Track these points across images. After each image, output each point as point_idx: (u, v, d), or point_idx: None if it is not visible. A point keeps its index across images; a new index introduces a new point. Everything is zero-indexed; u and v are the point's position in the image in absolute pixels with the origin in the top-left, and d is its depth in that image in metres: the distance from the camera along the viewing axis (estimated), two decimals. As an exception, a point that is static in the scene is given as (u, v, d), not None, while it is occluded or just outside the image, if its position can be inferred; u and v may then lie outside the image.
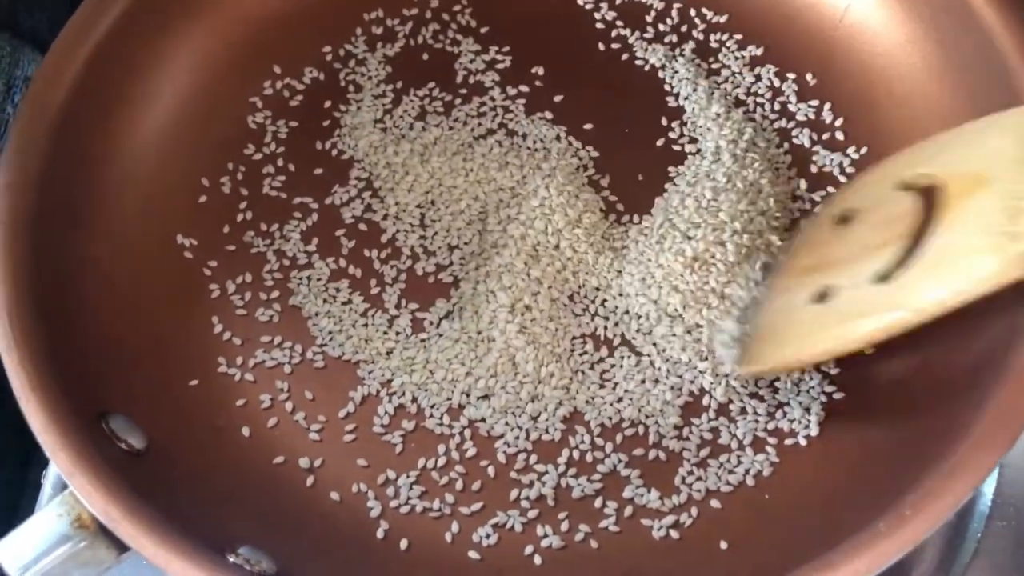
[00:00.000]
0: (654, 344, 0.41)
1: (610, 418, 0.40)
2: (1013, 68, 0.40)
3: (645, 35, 0.49)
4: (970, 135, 0.34)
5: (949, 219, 0.32)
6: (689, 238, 0.42)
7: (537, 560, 0.37)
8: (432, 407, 0.41)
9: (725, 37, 0.48)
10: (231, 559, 0.34)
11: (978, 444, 0.32)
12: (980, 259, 0.31)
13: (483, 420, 0.40)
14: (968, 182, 0.32)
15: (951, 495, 0.31)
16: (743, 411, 0.40)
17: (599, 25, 0.49)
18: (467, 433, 0.40)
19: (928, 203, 0.33)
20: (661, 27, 0.49)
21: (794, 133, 0.46)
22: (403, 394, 0.41)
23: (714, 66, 0.48)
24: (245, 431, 0.40)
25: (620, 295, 0.42)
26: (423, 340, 0.42)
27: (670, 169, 0.45)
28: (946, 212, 0.32)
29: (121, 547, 0.33)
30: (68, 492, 0.33)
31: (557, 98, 0.47)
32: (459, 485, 0.39)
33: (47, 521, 0.33)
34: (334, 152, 0.47)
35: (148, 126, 0.45)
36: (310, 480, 0.39)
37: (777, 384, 0.40)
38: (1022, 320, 0.35)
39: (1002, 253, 0.31)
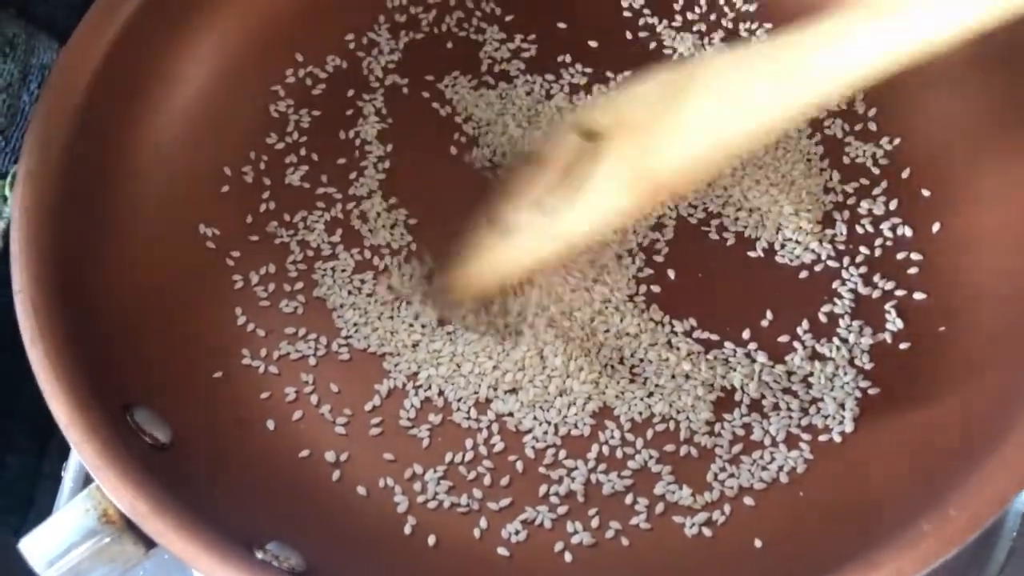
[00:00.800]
0: (687, 339, 0.40)
1: (640, 413, 0.39)
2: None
3: (673, 23, 0.48)
4: (636, 89, 0.36)
5: (599, 157, 0.35)
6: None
7: (568, 557, 0.37)
8: (459, 400, 0.40)
9: (755, 26, 0.48)
10: (259, 555, 0.33)
11: (1022, 443, 0.32)
12: (611, 192, 0.34)
13: (511, 414, 0.39)
14: (620, 126, 0.35)
15: (998, 494, 0.31)
16: (776, 407, 0.39)
17: (627, 13, 0.48)
18: (495, 427, 0.39)
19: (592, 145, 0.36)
20: (690, 15, 0.48)
21: (826, 124, 0.45)
22: (429, 387, 0.40)
23: (745, 55, 0.47)
24: (270, 424, 0.40)
25: None
26: (449, 333, 0.41)
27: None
28: (599, 152, 0.35)
29: (148, 543, 0.32)
30: (94, 487, 0.33)
31: (583, 86, 0.47)
32: (487, 480, 0.38)
33: (73, 516, 0.32)
34: (357, 141, 0.46)
35: (170, 115, 0.45)
36: (336, 474, 0.39)
37: (811, 380, 0.40)
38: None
39: (634, 190, 0.34)
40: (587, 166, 0.35)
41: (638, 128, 0.34)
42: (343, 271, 0.43)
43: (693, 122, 0.33)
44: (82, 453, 0.33)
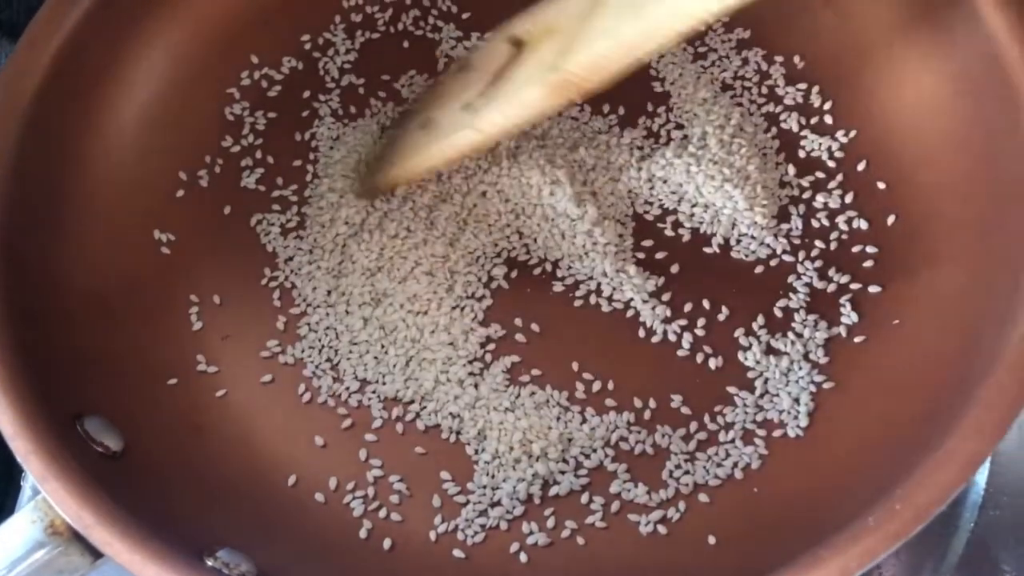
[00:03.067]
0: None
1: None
2: (1002, 46, 0.39)
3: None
4: (559, 1, 0.40)
5: (521, 61, 0.39)
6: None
7: (523, 558, 0.37)
8: (415, 403, 0.40)
9: (717, 25, 0.47)
10: (209, 563, 0.33)
11: (967, 435, 0.32)
12: (529, 89, 0.38)
13: (469, 419, 0.39)
14: (543, 34, 0.39)
15: (941, 488, 0.31)
16: (731, 402, 0.39)
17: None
18: (452, 431, 0.39)
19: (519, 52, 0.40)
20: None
21: (782, 117, 0.45)
22: (385, 392, 0.40)
23: (700, 50, 0.47)
24: (225, 431, 0.40)
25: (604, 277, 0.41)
26: (408, 340, 0.41)
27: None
28: (522, 57, 0.39)
29: (95, 553, 0.32)
30: (41, 497, 0.33)
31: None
32: (443, 483, 0.38)
33: (20, 527, 0.32)
34: (313, 143, 0.46)
35: (122, 119, 0.44)
36: (292, 479, 0.39)
37: (766, 375, 0.40)
38: (1011, 310, 0.34)
39: (545, 83, 0.37)
40: (511, 70, 0.39)
41: (557, 34, 0.38)
42: (300, 274, 0.43)
43: (606, 27, 0.36)
44: (28, 465, 0.33)
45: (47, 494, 0.32)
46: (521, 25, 0.41)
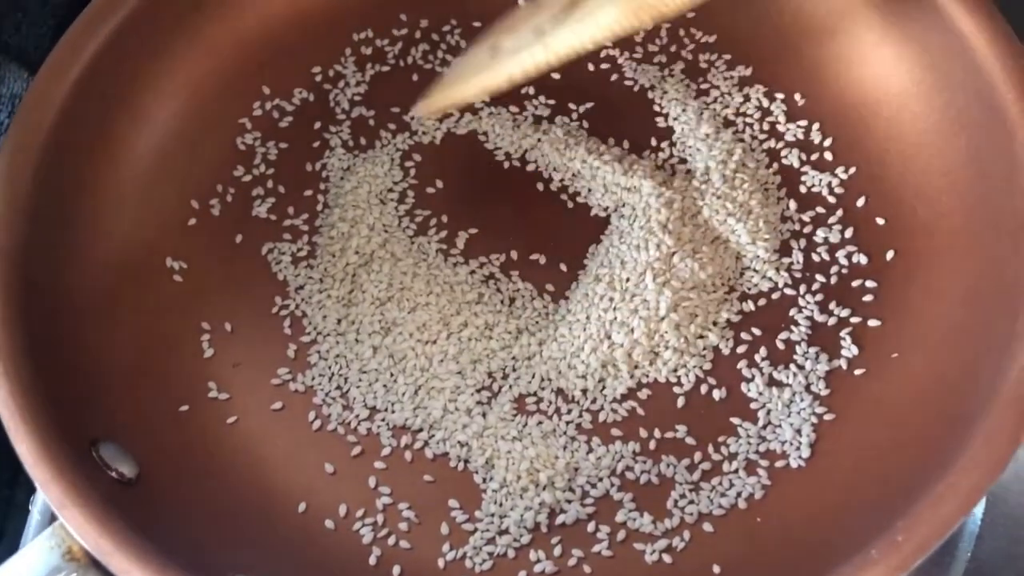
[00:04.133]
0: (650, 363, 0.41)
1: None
2: (997, 85, 0.40)
3: (634, 55, 0.49)
4: None
5: None
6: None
7: (530, 585, 0.38)
8: (424, 432, 0.41)
9: (714, 57, 0.49)
10: (223, 589, 0.34)
11: (968, 468, 0.33)
12: (603, 10, 0.38)
13: (477, 448, 0.40)
14: None
15: (942, 521, 0.32)
16: (735, 433, 0.40)
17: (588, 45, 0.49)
18: (460, 459, 0.40)
19: None
20: (650, 47, 0.49)
21: (783, 153, 0.46)
22: (395, 420, 0.41)
23: (703, 86, 0.48)
24: (237, 457, 0.40)
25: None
26: (417, 369, 0.42)
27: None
28: None
29: (112, 579, 0.33)
30: (59, 524, 0.33)
31: (546, 118, 0.47)
32: (452, 511, 0.39)
33: (38, 553, 0.33)
34: (324, 173, 0.47)
35: (137, 149, 0.45)
36: (303, 506, 0.39)
37: (769, 406, 0.40)
38: (1008, 345, 0.35)
39: (621, 4, 0.37)
40: None
41: None
42: (311, 302, 0.43)
43: None
44: (48, 492, 0.33)
45: (65, 521, 0.33)
46: None
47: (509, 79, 0.40)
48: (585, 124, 0.47)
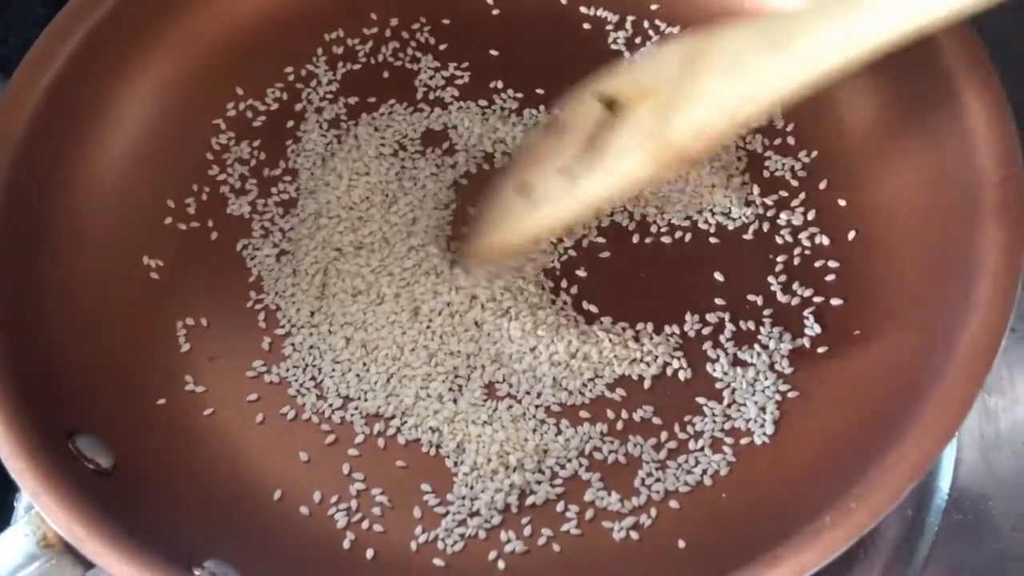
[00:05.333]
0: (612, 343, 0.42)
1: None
2: (949, 67, 0.40)
3: (600, 48, 0.50)
4: (653, 55, 0.38)
5: (619, 125, 0.37)
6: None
7: (501, 565, 0.38)
8: (396, 419, 0.41)
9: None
10: (196, 573, 0.34)
11: (918, 437, 0.33)
12: (630, 156, 0.36)
13: (448, 432, 0.41)
14: (639, 94, 0.37)
15: (894, 487, 0.32)
16: (700, 412, 0.41)
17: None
18: (431, 444, 0.41)
19: (613, 113, 0.38)
20: (617, 38, 0.50)
21: (747, 139, 0.47)
22: (367, 408, 0.41)
23: (668, 76, 0.49)
24: (213, 447, 0.41)
25: None
26: (388, 357, 0.42)
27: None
28: (620, 120, 0.37)
29: (87, 564, 0.34)
30: (34, 512, 0.34)
31: (515, 111, 0.48)
32: (424, 494, 0.40)
33: (13, 541, 0.33)
34: (297, 170, 0.48)
35: (113, 150, 0.46)
36: (278, 494, 0.40)
37: (733, 385, 0.41)
38: (961, 318, 0.36)
39: (647, 151, 0.35)
40: (608, 133, 0.37)
41: (656, 96, 0.36)
42: (284, 296, 0.44)
43: (707, 91, 0.35)
44: (22, 481, 0.34)
45: (39, 507, 0.34)
46: (612, 83, 0.39)
47: (548, 230, 0.40)
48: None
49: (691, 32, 0.38)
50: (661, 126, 0.35)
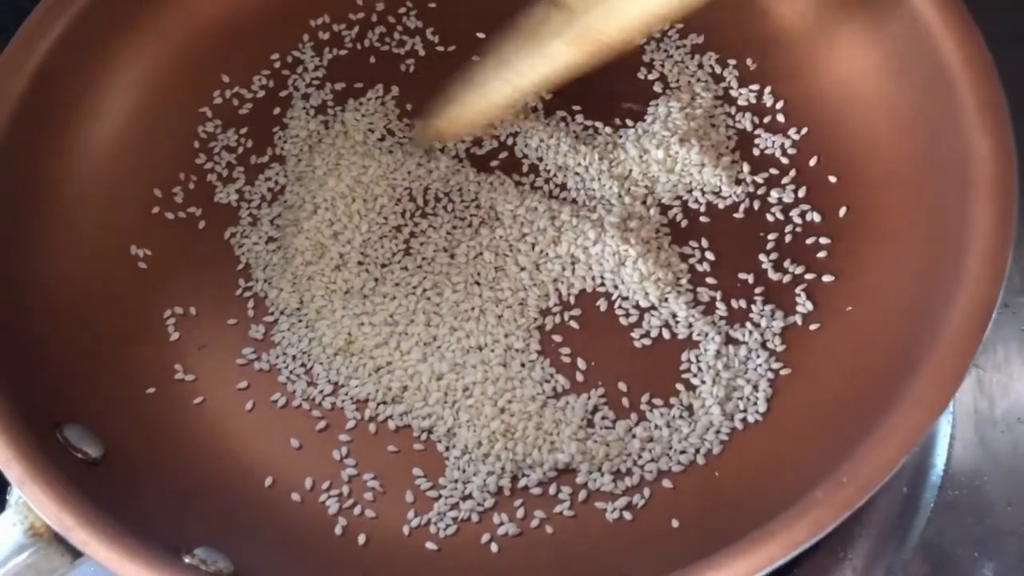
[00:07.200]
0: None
1: (562, 405, 0.41)
2: (938, 40, 0.40)
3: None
4: None
5: (552, 17, 0.43)
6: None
7: (494, 548, 0.38)
8: (385, 404, 0.41)
9: (667, 27, 0.49)
10: (186, 560, 0.34)
11: (908, 411, 0.33)
12: (553, 43, 0.42)
13: (439, 417, 0.41)
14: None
15: (885, 461, 0.32)
16: (693, 389, 0.40)
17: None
18: (423, 430, 0.41)
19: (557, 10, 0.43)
20: (603, 20, 0.50)
21: (737, 118, 0.47)
22: (359, 394, 0.41)
23: (656, 56, 0.48)
24: (203, 436, 0.41)
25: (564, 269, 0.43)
26: (376, 346, 0.42)
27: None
28: (563, 21, 0.42)
29: (75, 553, 0.33)
30: (22, 502, 0.34)
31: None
32: (416, 479, 0.40)
33: (1, 531, 0.33)
34: (284, 157, 0.47)
35: (99, 139, 0.46)
36: (269, 480, 0.40)
37: (727, 363, 0.41)
38: (951, 291, 0.35)
39: (567, 37, 0.41)
40: (550, 29, 0.42)
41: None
42: (273, 283, 0.44)
43: None
44: (9, 471, 0.34)
45: (27, 497, 0.33)
46: None
47: (482, 112, 0.45)
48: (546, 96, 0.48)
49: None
50: (592, 22, 0.41)
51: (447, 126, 0.46)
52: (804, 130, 0.46)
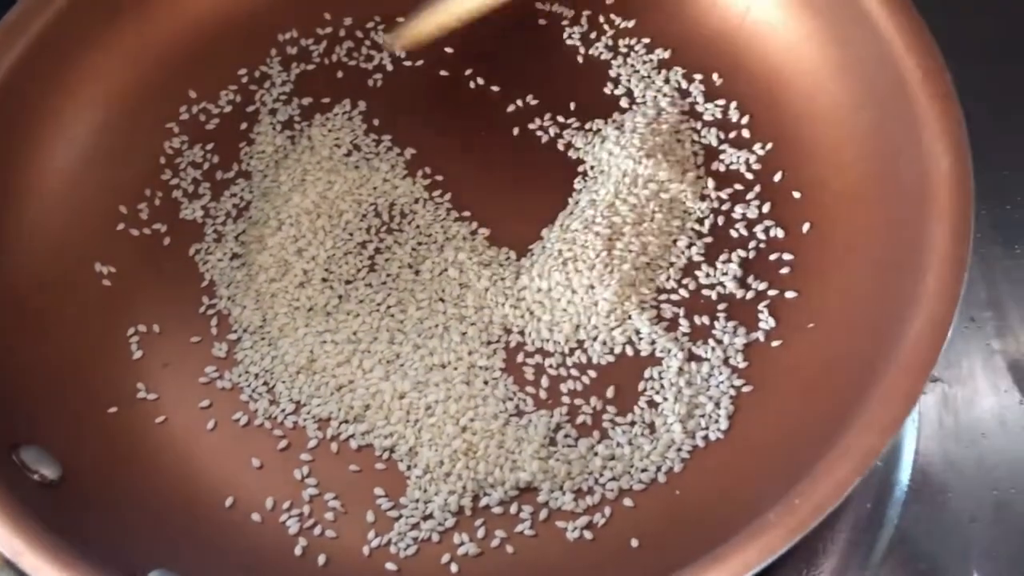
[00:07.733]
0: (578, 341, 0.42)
1: (524, 423, 0.41)
2: (899, 59, 0.40)
3: (555, 43, 0.49)
4: None
5: None
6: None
7: (454, 568, 0.38)
8: (346, 424, 0.41)
9: (633, 42, 0.49)
10: (142, 583, 0.34)
11: (862, 432, 0.33)
12: None
13: (400, 436, 0.40)
14: None
15: (838, 483, 0.32)
16: (655, 407, 0.40)
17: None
18: (384, 449, 0.40)
19: None
20: (572, 33, 0.50)
21: (702, 133, 0.47)
22: (319, 414, 0.41)
23: (623, 71, 0.48)
24: (165, 456, 0.40)
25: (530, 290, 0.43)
26: (338, 364, 0.42)
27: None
28: None
29: (27, 577, 0.33)
30: (-29, 525, 0.34)
31: (470, 108, 0.48)
32: (377, 498, 0.39)
33: (-47, 556, 0.33)
34: (250, 172, 0.47)
35: (63, 156, 0.46)
36: (229, 501, 0.40)
37: (688, 380, 0.41)
38: (908, 310, 0.35)
39: None
40: None
41: None
42: (236, 301, 0.44)
43: None
44: (-42, 493, 0.34)
45: (-23, 522, 0.33)
46: None
47: (451, 15, 0.47)
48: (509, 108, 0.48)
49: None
50: None
51: (417, 30, 0.48)
52: (769, 145, 0.46)
